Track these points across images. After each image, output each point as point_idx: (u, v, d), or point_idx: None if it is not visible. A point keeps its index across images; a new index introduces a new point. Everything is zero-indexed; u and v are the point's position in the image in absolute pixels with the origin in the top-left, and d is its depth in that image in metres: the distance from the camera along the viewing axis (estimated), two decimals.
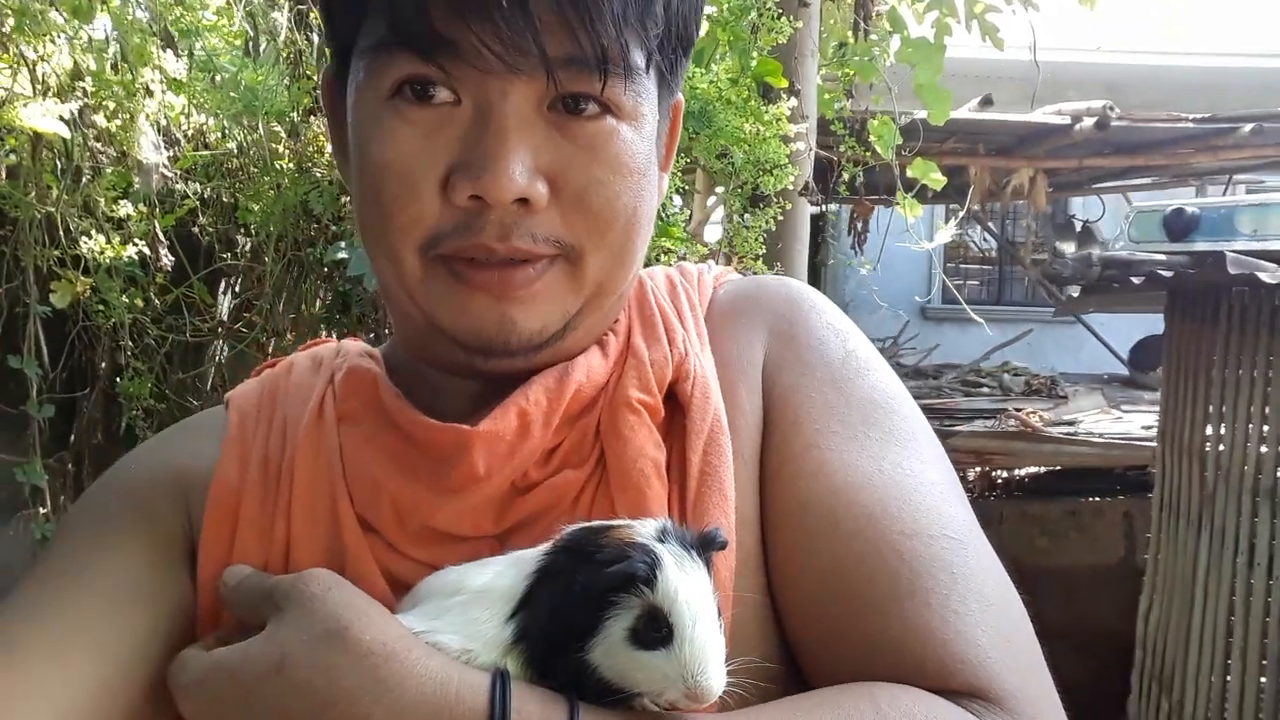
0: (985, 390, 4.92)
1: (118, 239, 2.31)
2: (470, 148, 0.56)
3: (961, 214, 3.79)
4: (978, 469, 3.92)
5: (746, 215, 2.19)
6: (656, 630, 0.47)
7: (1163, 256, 2.23)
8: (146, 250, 2.39)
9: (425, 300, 0.61)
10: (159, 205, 2.63)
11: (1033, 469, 4.26)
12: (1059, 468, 4.09)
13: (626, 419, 0.62)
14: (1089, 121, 4.36)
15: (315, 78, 3.46)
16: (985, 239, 6.35)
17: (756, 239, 2.22)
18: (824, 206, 5.58)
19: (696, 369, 0.65)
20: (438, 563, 0.58)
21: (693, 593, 0.48)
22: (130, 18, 2.44)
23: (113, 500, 0.66)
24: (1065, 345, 6.91)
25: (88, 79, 2.45)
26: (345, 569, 0.59)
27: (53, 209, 2.35)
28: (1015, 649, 0.56)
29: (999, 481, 4.03)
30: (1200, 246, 2.19)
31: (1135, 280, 2.12)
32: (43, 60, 2.22)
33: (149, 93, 2.53)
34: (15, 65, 2.20)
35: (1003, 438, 3.43)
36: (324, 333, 3.74)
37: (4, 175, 2.34)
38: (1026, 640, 0.57)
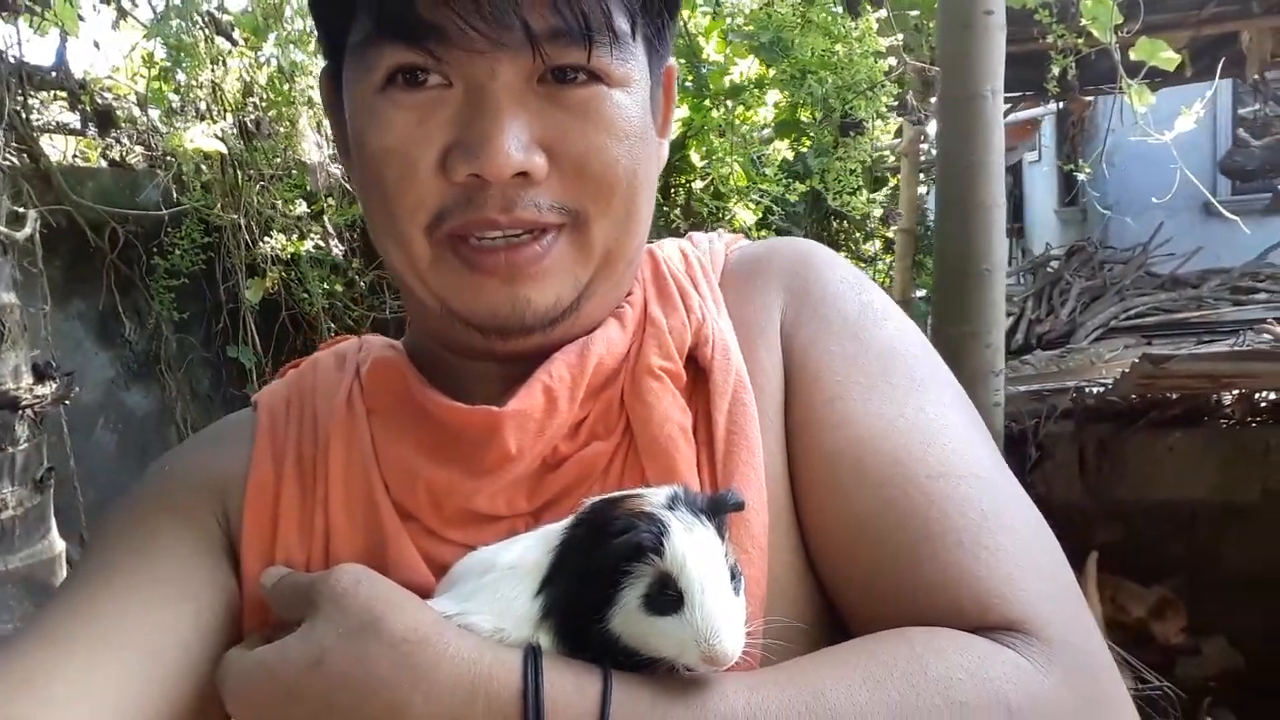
0: (1261, 296, 4.19)
1: (295, 235, 2.60)
2: (465, 127, 0.59)
3: (1210, 92, 3.19)
4: (1235, 392, 3.37)
5: (837, 147, 2.01)
6: (668, 596, 0.49)
7: None
8: (320, 244, 2.67)
9: (438, 286, 0.64)
10: (328, 200, 2.89)
11: None
12: None
13: (650, 386, 0.65)
14: None
15: None
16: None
17: (852, 172, 2.04)
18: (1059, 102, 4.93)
19: (715, 333, 0.67)
20: (476, 543, 0.62)
21: (701, 556, 0.49)
22: (286, 32, 2.68)
23: (148, 504, 0.69)
24: None
25: (255, 93, 2.74)
26: (386, 557, 0.63)
27: (241, 215, 2.67)
28: (1047, 580, 0.57)
29: (1264, 405, 3.43)
30: None
31: None
32: (217, 84, 2.53)
33: (310, 102, 2.78)
34: (184, 91, 2.52)
35: (1239, 359, 2.91)
36: None
37: (199, 189, 2.70)
38: (1059, 570, 0.58)
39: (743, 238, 0.79)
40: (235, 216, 2.67)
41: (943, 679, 0.50)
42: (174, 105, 2.53)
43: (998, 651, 0.52)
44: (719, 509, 0.52)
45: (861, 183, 2.86)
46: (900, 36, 2.61)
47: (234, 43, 2.52)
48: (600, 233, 0.62)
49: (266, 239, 2.70)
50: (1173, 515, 3.71)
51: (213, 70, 2.53)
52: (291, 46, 2.63)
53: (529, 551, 0.55)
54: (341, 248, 2.95)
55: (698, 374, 0.66)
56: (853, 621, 0.61)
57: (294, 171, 2.86)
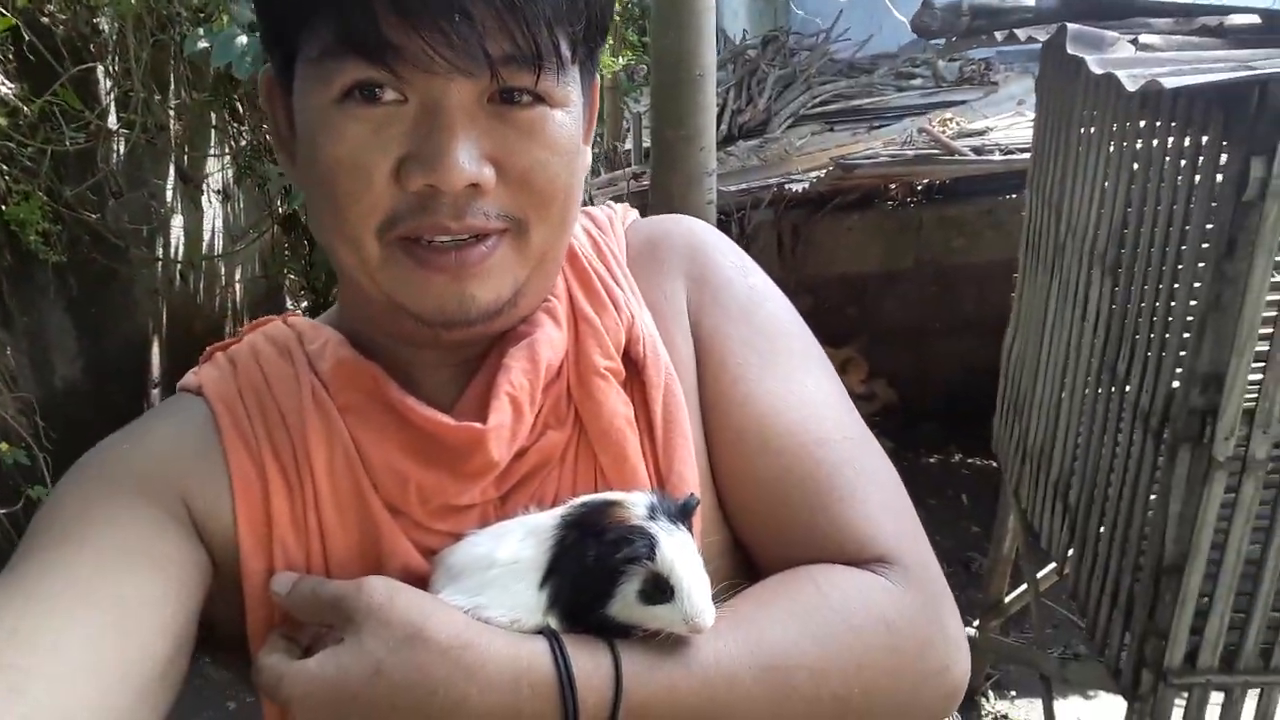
0: (918, 83, 4.79)
1: None
2: (420, 142, 0.61)
3: None
4: (894, 184, 3.96)
5: None
6: (661, 590, 0.60)
7: (1031, 1, 2.12)
8: None
9: (386, 282, 0.67)
10: None
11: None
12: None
13: (597, 384, 0.74)
14: None
15: None
16: None
17: None
18: None
19: (645, 330, 0.76)
20: (456, 530, 0.70)
21: (684, 556, 0.61)
22: None
23: (111, 484, 0.68)
24: None
25: None
26: (381, 550, 0.69)
27: None
28: (901, 518, 0.73)
29: (918, 187, 4.08)
30: None
31: (998, 37, 2.05)
32: None
33: None
34: None
35: (907, 164, 3.44)
36: (213, 118, 3.60)
37: None
38: (905, 506, 0.75)
39: (631, 211, 0.88)
40: None
41: (842, 608, 0.65)
42: None
43: (875, 579, 0.68)
44: (688, 512, 0.64)
45: None
46: None
47: None
48: (538, 237, 0.68)
49: None
50: (850, 284, 4.40)
51: None
52: None
53: (524, 547, 0.64)
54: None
55: (631, 367, 0.75)
56: (758, 556, 0.74)
57: None
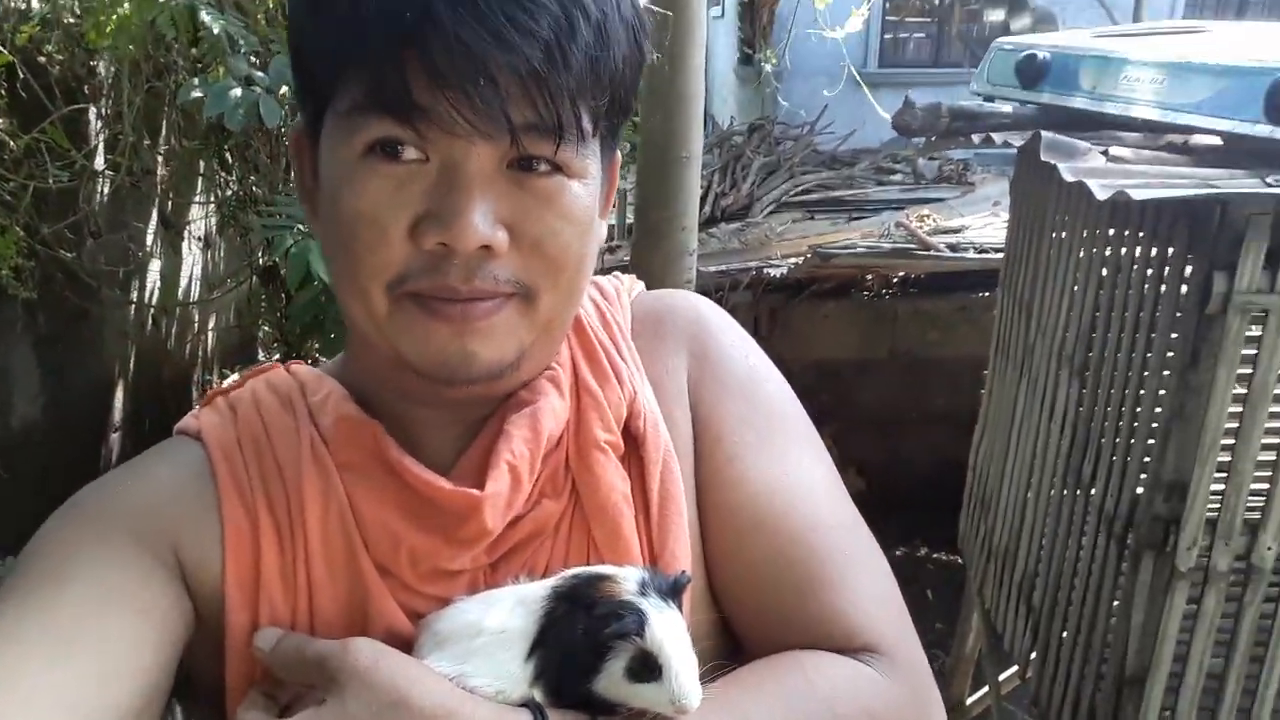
0: (897, 178, 4.92)
1: None
2: (438, 201, 0.62)
3: None
4: (870, 275, 4.02)
5: None
6: (648, 668, 0.59)
7: (1008, 108, 2.20)
8: None
9: (391, 333, 0.67)
10: None
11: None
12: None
13: (597, 458, 0.73)
14: None
15: None
16: None
17: None
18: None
19: (646, 406, 0.76)
20: (445, 595, 0.69)
21: (673, 635, 0.60)
22: None
23: (98, 525, 0.68)
24: None
25: None
26: (369, 611, 0.69)
27: None
28: (891, 608, 0.73)
29: (894, 281, 4.14)
30: (1047, 98, 2.15)
31: (975, 139, 2.11)
32: None
33: None
34: None
35: (884, 256, 3.50)
36: (201, 166, 3.62)
37: None
38: (894, 594, 0.74)
39: (637, 283, 0.89)
40: None
41: (828, 697, 0.65)
42: None
43: (862, 669, 0.68)
44: (679, 590, 0.63)
45: None
46: None
47: None
48: (546, 305, 0.68)
49: None
50: (824, 371, 4.42)
51: None
52: None
53: (512, 617, 0.63)
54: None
55: (630, 442, 0.75)
56: (744, 637, 0.74)
57: None
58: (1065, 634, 2.01)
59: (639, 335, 0.83)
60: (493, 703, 0.60)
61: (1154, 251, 1.69)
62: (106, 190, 3.23)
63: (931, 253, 3.46)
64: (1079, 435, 1.98)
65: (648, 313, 0.85)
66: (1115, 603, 1.82)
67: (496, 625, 0.63)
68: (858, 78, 4.77)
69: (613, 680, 0.60)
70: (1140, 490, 1.72)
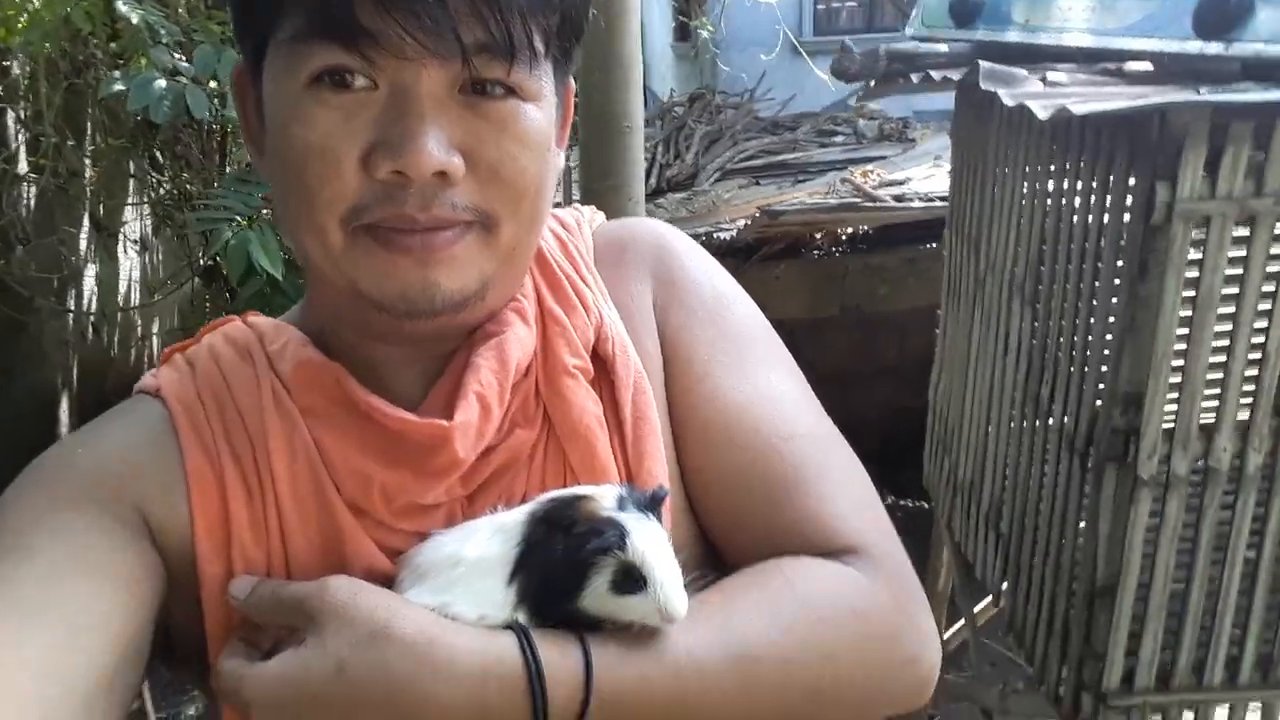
0: (840, 140, 4.96)
1: None
2: (389, 127, 0.61)
3: None
4: (820, 233, 4.06)
5: None
6: (632, 580, 0.59)
7: (944, 48, 2.22)
8: None
9: (349, 268, 0.65)
10: None
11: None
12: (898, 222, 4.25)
13: (566, 383, 0.73)
14: None
15: None
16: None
17: None
18: None
19: (613, 330, 0.76)
20: (422, 530, 0.68)
21: (655, 546, 0.60)
22: None
23: (61, 490, 0.66)
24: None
25: None
26: (344, 551, 0.68)
27: None
28: (867, 510, 0.73)
29: (843, 237, 4.18)
30: (981, 35, 2.17)
31: (913, 78, 2.13)
32: None
33: None
34: None
35: (832, 211, 3.53)
36: (131, 166, 3.51)
37: None
38: (872, 498, 0.75)
39: (598, 213, 0.87)
40: None
41: (810, 599, 0.65)
42: None
43: (842, 570, 0.68)
44: (657, 503, 0.63)
45: None
46: None
47: None
48: (507, 233, 0.67)
49: None
50: (778, 331, 4.46)
51: None
52: None
53: (490, 545, 0.63)
54: None
55: (600, 366, 0.75)
56: (723, 549, 0.74)
57: None
58: (1035, 556, 2.05)
59: (602, 263, 0.82)
60: (475, 628, 0.60)
61: (1096, 171, 1.72)
62: (32, 194, 3.12)
63: (877, 204, 3.50)
64: (1034, 362, 2.02)
65: (610, 241, 0.84)
66: (1082, 523, 1.87)
67: (476, 554, 0.63)
68: (795, 43, 4.80)
69: (597, 596, 0.60)
70: (1099, 403, 1.76)
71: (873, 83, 2.35)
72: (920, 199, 3.56)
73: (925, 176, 4.00)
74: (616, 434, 0.74)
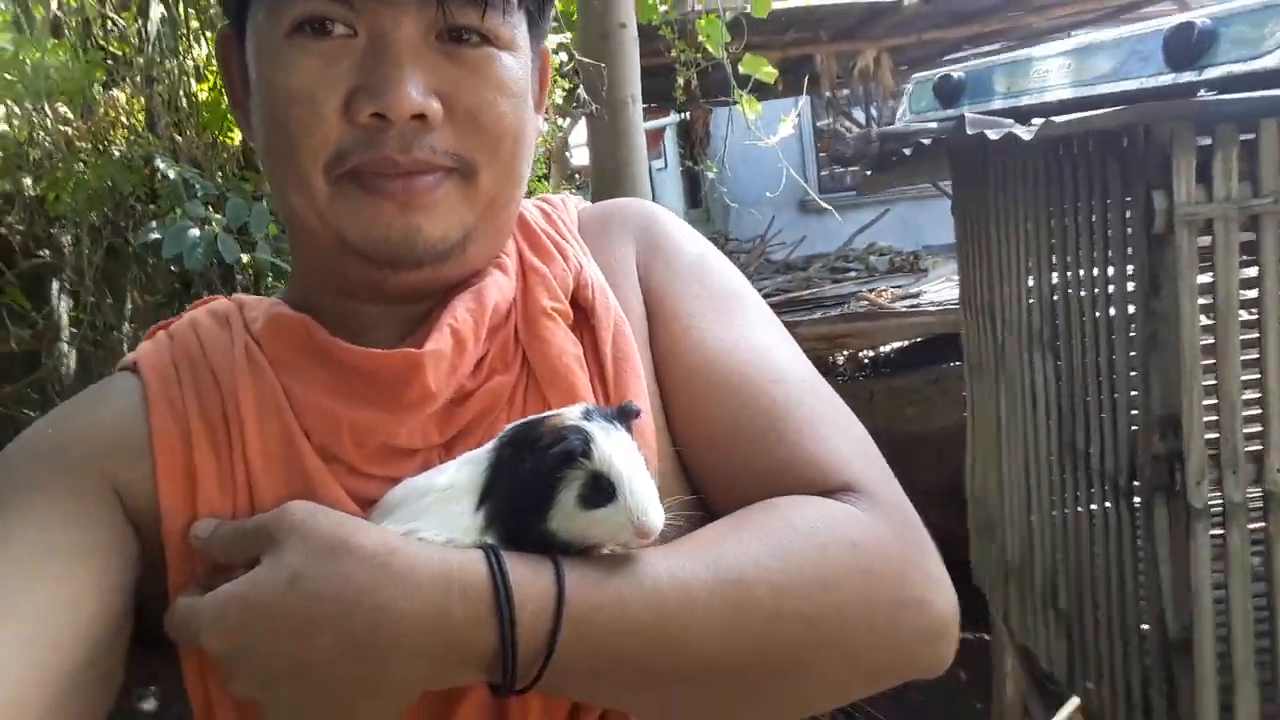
0: (853, 274, 5.06)
1: None
2: (368, 72, 0.62)
3: (799, 104, 3.82)
4: (845, 353, 4.06)
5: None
6: (601, 490, 0.55)
7: (934, 125, 2.31)
8: None
9: (334, 218, 0.65)
10: None
11: (897, 344, 4.42)
12: (920, 339, 4.26)
13: (544, 324, 0.71)
14: None
15: (110, 46, 3.29)
16: (849, 127, 6.45)
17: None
18: (682, 113, 5.57)
19: (593, 277, 0.75)
20: (396, 475, 0.65)
21: (622, 453, 0.56)
22: None
23: (32, 469, 0.65)
24: (938, 217, 7.07)
25: None
26: (314, 498, 0.63)
27: None
28: (865, 453, 0.69)
29: (866, 361, 4.18)
30: (966, 109, 2.26)
31: (906, 152, 2.20)
32: None
33: None
34: None
35: (849, 320, 3.56)
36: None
37: None
38: (870, 445, 0.71)
39: (585, 200, 0.88)
40: None
41: (806, 529, 0.61)
42: None
43: (840, 506, 0.64)
44: (625, 416, 0.60)
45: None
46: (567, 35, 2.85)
47: None
48: (487, 181, 0.67)
49: None
50: None
51: None
52: None
53: (460, 473, 0.61)
54: None
55: (579, 314, 0.74)
56: (716, 500, 0.70)
57: None
58: (1100, 624, 1.89)
59: (586, 232, 0.82)
60: (440, 545, 0.57)
61: (1094, 193, 1.73)
62: (73, 355, 3.23)
63: (892, 311, 3.51)
64: (1064, 408, 1.95)
65: (595, 214, 0.85)
66: (1141, 577, 1.73)
67: (445, 482, 0.61)
68: (805, 189, 5.01)
69: (567, 514, 0.56)
70: (1134, 429, 1.67)
71: (869, 171, 2.42)
72: (934, 306, 3.58)
73: (937, 290, 4.03)
74: (598, 376, 0.71)
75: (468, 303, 0.70)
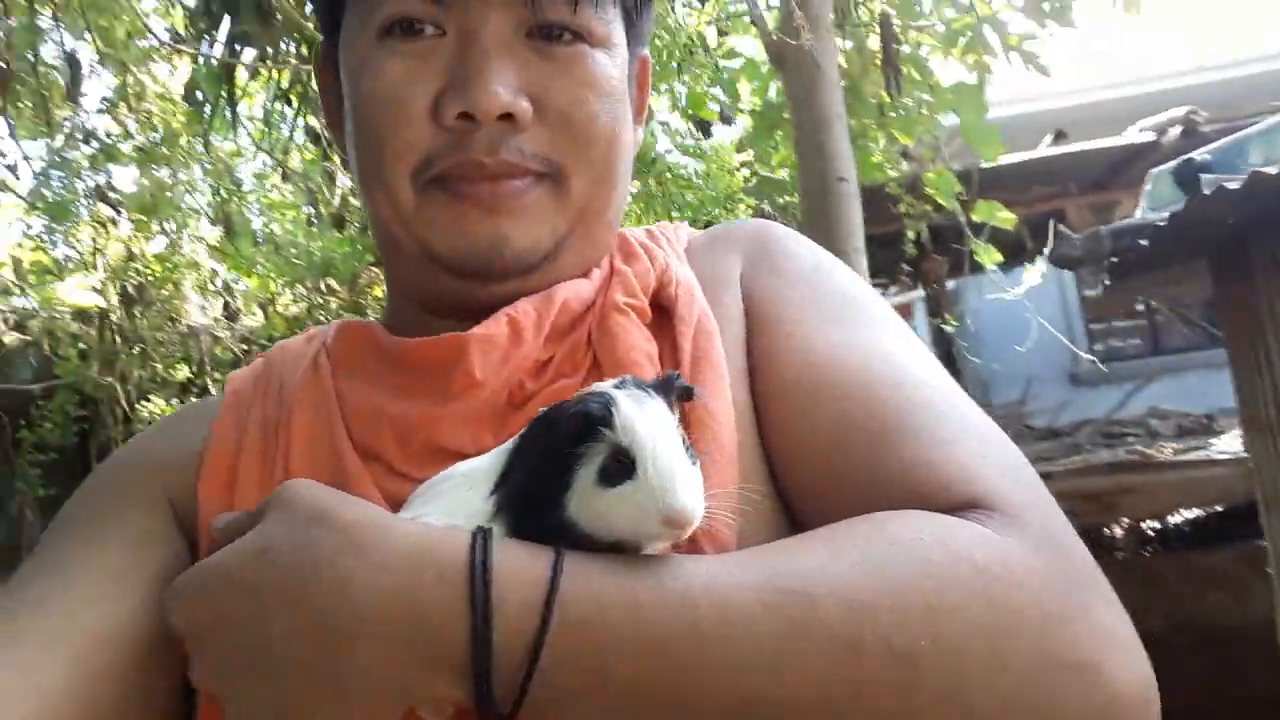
0: (1130, 439, 4.42)
1: (176, 401, 2.56)
2: (456, 71, 0.62)
3: (1046, 254, 3.55)
4: (1123, 523, 3.48)
5: None
6: (622, 464, 0.47)
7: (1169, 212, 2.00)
8: None
9: (421, 226, 0.65)
10: (214, 366, 2.89)
11: (1194, 512, 3.73)
12: (1221, 509, 3.57)
13: (616, 320, 0.66)
14: (1175, 131, 4.07)
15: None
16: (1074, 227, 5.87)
17: None
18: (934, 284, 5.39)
19: (678, 276, 0.69)
20: None
21: (650, 422, 0.48)
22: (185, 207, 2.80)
23: (101, 493, 0.68)
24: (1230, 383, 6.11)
25: (138, 260, 2.79)
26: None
27: (119, 382, 2.61)
28: (1003, 463, 0.56)
29: (1151, 535, 3.55)
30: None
31: (1142, 242, 1.91)
32: (99, 245, 2.57)
33: (194, 264, 2.84)
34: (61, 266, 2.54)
35: (1115, 471, 3.04)
36: None
37: (75, 356, 2.66)
38: (1013, 456, 0.58)
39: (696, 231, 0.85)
40: (112, 381, 2.60)
41: (907, 541, 0.49)
42: (51, 268, 2.54)
43: (961, 523, 0.51)
44: (667, 388, 0.52)
45: None
46: (750, 151, 2.88)
47: (118, 211, 2.59)
48: (579, 186, 0.65)
49: (145, 402, 2.63)
50: None
51: (94, 231, 2.58)
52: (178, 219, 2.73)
53: (484, 461, 0.55)
54: None
55: (662, 314, 0.67)
56: (819, 524, 0.59)
57: (176, 337, 2.85)
58: None
59: (693, 251, 0.76)
60: (429, 524, 0.52)
61: None
62: None
63: (1160, 459, 2.96)
64: None
65: (706, 235, 0.80)
66: None
67: (468, 468, 0.56)
68: (1065, 342, 4.55)
69: (584, 493, 0.48)
70: None
71: (1106, 281, 2.14)
72: (1226, 455, 2.98)
73: (1235, 437, 3.38)
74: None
75: (534, 299, 0.65)
